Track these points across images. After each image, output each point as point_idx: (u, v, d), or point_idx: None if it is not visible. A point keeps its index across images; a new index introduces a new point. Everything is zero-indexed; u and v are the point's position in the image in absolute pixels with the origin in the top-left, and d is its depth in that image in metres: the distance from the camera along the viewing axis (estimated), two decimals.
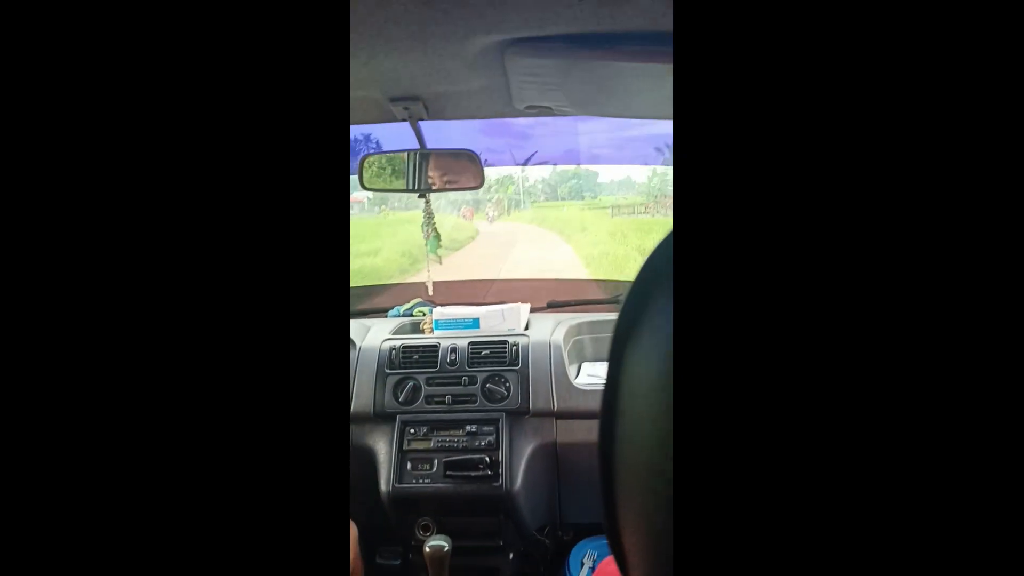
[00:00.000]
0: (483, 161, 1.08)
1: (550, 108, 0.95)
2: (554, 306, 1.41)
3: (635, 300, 0.24)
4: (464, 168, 1.05)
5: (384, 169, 1.13)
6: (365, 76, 0.83)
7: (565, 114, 0.98)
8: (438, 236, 1.16)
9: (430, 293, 1.42)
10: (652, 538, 0.23)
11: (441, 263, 1.20)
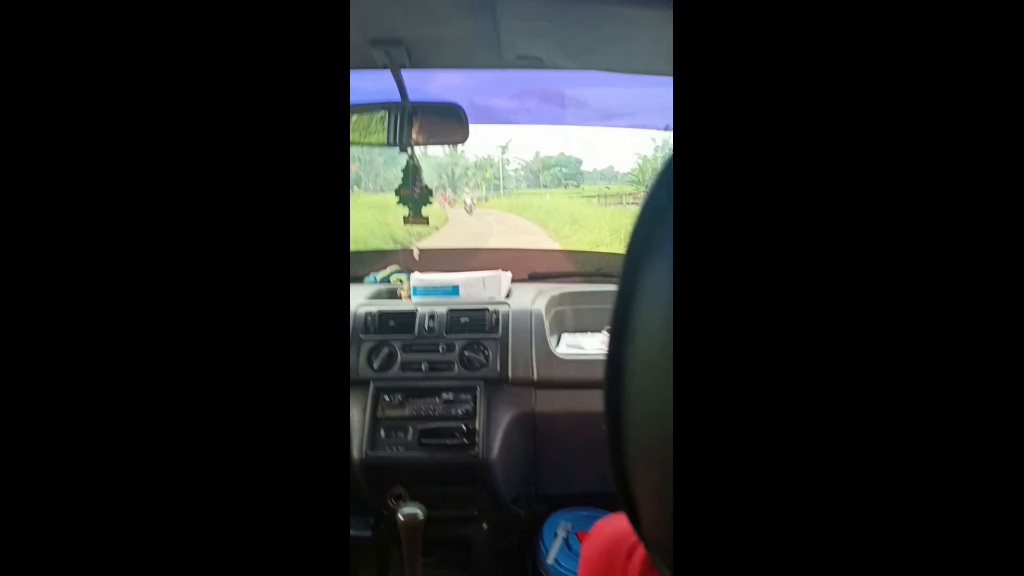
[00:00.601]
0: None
1: (541, 59, 0.93)
2: (535, 278, 1.39)
3: (646, 221, 0.24)
4: (449, 122, 1.02)
5: (364, 122, 1.09)
6: None
7: (557, 66, 0.95)
8: (430, 192, 1.12)
9: (416, 258, 1.38)
10: (663, 479, 0.23)
11: (428, 223, 1.16)
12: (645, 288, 0.24)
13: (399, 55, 0.90)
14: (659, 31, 0.79)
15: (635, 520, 0.26)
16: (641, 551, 0.40)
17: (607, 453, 0.25)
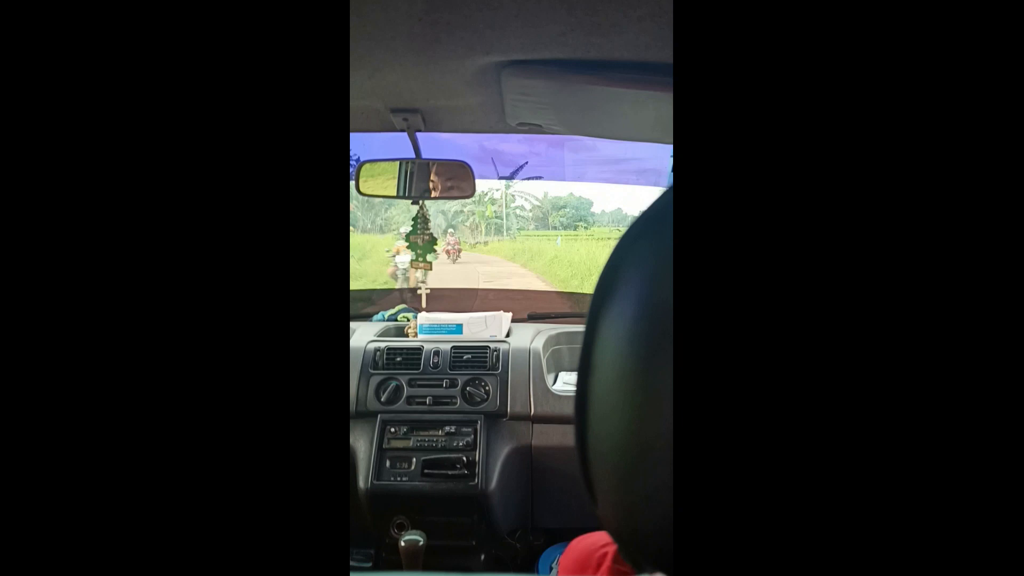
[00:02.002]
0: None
1: (540, 126, 1.12)
2: (535, 318, 1.56)
3: (610, 270, 0.29)
4: (457, 178, 1.20)
5: (380, 176, 1.28)
6: (369, 87, 0.98)
7: (555, 132, 1.14)
8: (434, 240, 1.31)
9: (423, 305, 1.55)
10: (617, 481, 0.27)
11: (432, 268, 1.34)
12: (605, 330, 0.28)
13: (415, 121, 1.09)
14: (647, 104, 0.97)
15: (598, 512, 0.31)
16: (608, 561, 0.52)
17: (578, 463, 0.30)
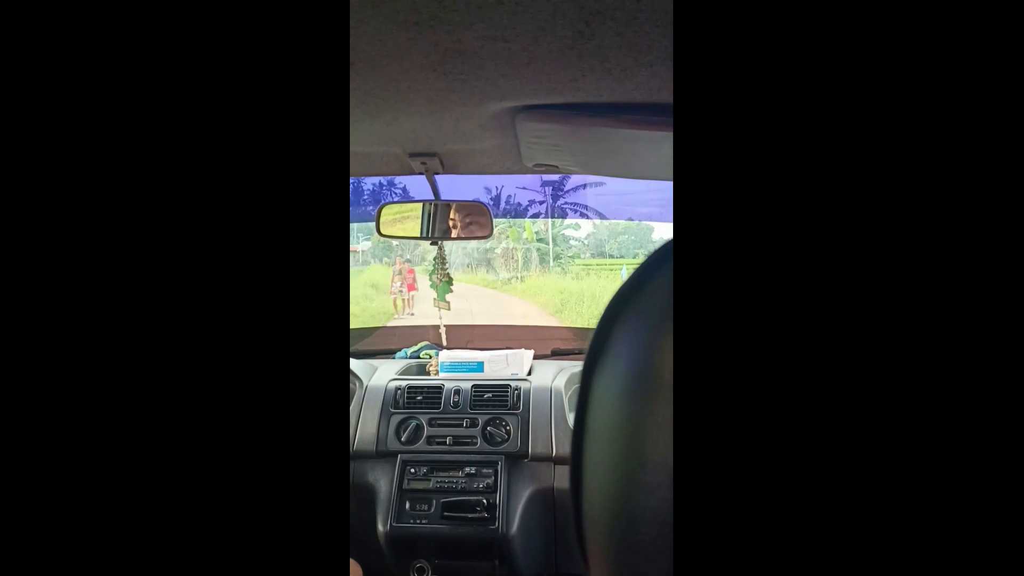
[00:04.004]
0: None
1: (556, 166, 1.23)
2: (558, 354, 1.65)
3: (602, 328, 0.30)
4: (475, 219, 1.33)
5: (399, 217, 1.42)
6: (388, 134, 1.10)
7: (570, 172, 1.26)
8: (450, 280, 1.44)
9: (443, 342, 1.68)
10: (608, 543, 0.28)
11: (450, 308, 1.46)
12: (597, 390, 0.29)
13: (434, 164, 1.22)
14: (659, 144, 1.06)
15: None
16: None
17: (573, 526, 0.31)
